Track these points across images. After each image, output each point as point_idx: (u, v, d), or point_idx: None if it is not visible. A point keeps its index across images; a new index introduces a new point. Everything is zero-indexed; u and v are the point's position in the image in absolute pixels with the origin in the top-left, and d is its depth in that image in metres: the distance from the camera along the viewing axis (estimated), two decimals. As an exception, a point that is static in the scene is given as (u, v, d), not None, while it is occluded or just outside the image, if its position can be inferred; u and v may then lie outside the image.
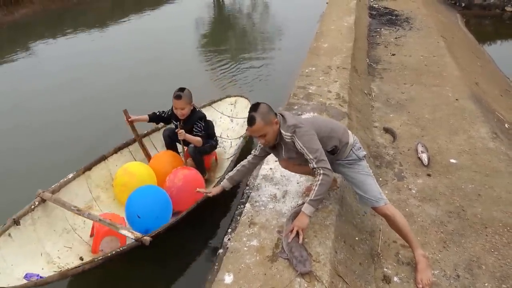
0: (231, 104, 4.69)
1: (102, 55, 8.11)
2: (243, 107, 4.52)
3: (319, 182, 2.13)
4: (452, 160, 3.39)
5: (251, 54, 8.05)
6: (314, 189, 2.14)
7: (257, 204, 2.53)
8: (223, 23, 12.00)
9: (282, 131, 2.23)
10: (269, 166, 2.90)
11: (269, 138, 2.24)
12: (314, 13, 9.53)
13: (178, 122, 3.46)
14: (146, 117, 3.59)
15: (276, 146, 2.38)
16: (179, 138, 3.42)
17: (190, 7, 12.66)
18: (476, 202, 2.90)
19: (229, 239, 2.40)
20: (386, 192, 3.02)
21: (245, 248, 2.18)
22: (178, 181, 3.16)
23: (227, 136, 4.39)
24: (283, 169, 2.81)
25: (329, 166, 2.16)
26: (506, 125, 4.43)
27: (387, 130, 3.92)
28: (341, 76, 4.46)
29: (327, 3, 8.85)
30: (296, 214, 2.26)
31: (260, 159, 2.59)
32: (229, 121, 4.56)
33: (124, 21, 11.01)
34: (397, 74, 5.34)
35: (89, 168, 3.39)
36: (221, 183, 2.61)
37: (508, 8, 11.27)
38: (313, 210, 2.16)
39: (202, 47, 8.82)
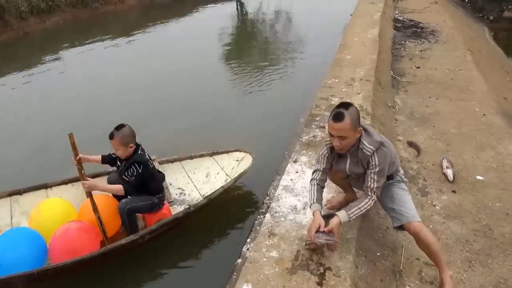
0: (237, 161, 3.85)
1: (123, 64, 8.33)
2: (244, 164, 3.68)
3: (366, 205, 2.16)
4: (479, 177, 3.29)
5: (274, 65, 8.07)
6: (359, 207, 2.16)
7: (277, 215, 2.52)
8: (247, 33, 12.17)
9: (364, 142, 2.13)
10: (290, 177, 2.88)
11: (346, 143, 2.11)
12: (337, 24, 9.53)
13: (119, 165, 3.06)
14: (99, 157, 3.13)
15: (342, 155, 2.28)
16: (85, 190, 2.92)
17: (214, 16, 12.92)
18: (503, 221, 2.79)
19: (248, 249, 2.40)
20: (409, 207, 2.96)
21: (264, 259, 2.17)
22: (58, 232, 2.86)
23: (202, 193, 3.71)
24: (304, 180, 2.80)
25: (380, 190, 2.22)
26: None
27: (411, 144, 3.85)
28: (364, 88, 4.42)
29: (351, 15, 8.84)
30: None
31: (328, 172, 2.38)
32: (223, 180, 3.69)
33: (150, 31, 11.29)
34: (421, 87, 5.25)
35: (19, 192, 3.27)
36: (315, 207, 2.26)
37: (538, 22, 10.97)
38: (346, 220, 2.15)
39: (225, 58, 8.92)
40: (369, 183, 2.16)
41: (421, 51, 6.64)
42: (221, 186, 3.36)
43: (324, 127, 3.55)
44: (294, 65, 8.02)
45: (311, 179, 2.36)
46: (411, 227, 2.21)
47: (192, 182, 3.80)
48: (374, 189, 2.15)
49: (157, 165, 3.61)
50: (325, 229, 2.10)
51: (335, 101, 4.11)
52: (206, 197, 3.32)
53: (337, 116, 2.05)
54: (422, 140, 3.91)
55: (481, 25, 11.07)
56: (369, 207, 2.16)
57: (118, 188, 2.96)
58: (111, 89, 6.86)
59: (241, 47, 10.36)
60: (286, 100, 6.04)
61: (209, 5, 14.76)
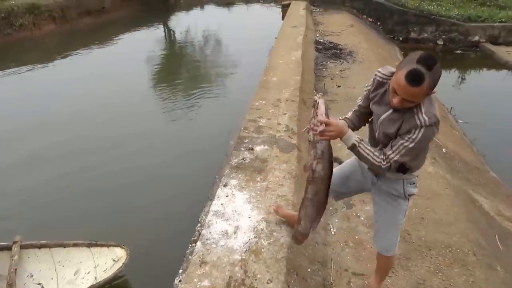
0: (114, 260, 3.19)
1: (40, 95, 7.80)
2: (116, 267, 3.12)
3: (374, 158, 1.79)
4: (403, 141, 3.54)
5: (204, 88, 8.15)
6: (370, 149, 1.81)
7: (208, 242, 2.49)
8: (176, 58, 12.12)
9: (422, 108, 1.67)
10: (220, 202, 2.88)
11: (410, 105, 1.67)
12: (264, 47, 9.90)
13: None
14: None
15: (386, 98, 1.80)
16: None
17: (140, 43, 12.70)
18: (419, 225, 3.04)
19: (180, 281, 2.32)
20: (337, 221, 3.10)
21: (196, 289, 2.12)
22: None
23: None
24: (234, 204, 2.81)
25: (392, 170, 1.81)
26: (443, 149, 4.75)
27: (335, 159, 4.05)
28: (290, 109, 4.61)
29: (275, 38, 9.24)
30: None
31: (364, 111, 2.05)
32: (89, 283, 3.04)
33: (70, 59, 10.74)
34: (342, 105, 5.61)
35: None
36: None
37: (439, 42, 12.36)
38: (349, 143, 1.83)
39: (154, 84, 8.80)
40: (391, 151, 1.75)
41: (341, 71, 7.12)
42: None
43: (252, 149, 3.62)
44: (225, 87, 8.20)
45: None
46: (379, 256, 2.22)
47: (56, 279, 3.15)
48: (391, 160, 1.76)
49: (15, 250, 3.10)
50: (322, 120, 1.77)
51: (263, 122, 4.22)
52: None
53: (415, 79, 1.56)
54: (345, 154, 4.14)
55: (393, 45, 12.19)
56: (374, 163, 1.80)
57: None
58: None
59: (170, 71, 10.30)
60: (218, 123, 6.12)
61: (134, 31, 14.50)
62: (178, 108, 7.10)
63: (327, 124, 1.77)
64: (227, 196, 2.94)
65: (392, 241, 2.11)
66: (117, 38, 13.23)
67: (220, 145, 5.03)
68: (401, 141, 1.72)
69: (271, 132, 3.98)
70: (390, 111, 1.78)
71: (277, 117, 4.36)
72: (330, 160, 1.88)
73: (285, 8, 14.34)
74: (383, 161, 1.78)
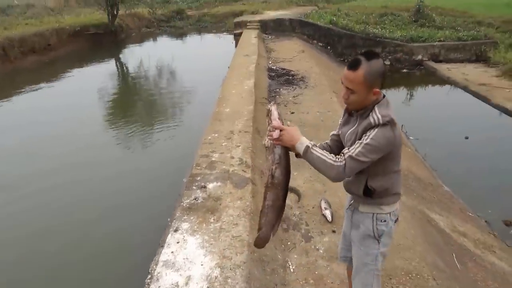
0: None
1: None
2: None
3: (327, 159, 1.72)
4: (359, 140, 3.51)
5: (160, 123, 7.98)
6: (322, 153, 1.74)
7: (157, 297, 2.29)
8: (130, 91, 11.86)
9: (377, 109, 1.72)
10: (170, 250, 2.69)
11: (354, 99, 1.74)
12: (217, 76, 9.89)
13: None
14: None
15: (351, 115, 1.86)
16: None
17: (92, 78, 12.34)
18: (379, 253, 2.99)
19: None
20: (295, 256, 2.99)
21: None
22: None
23: None
24: (186, 251, 2.63)
25: (350, 173, 1.72)
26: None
27: (291, 190, 3.99)
28: (243, 140, 4.54)
29: (228, 67, 9.28)
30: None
31: (337, 138, 2.02)
32: None
33: (16, 97, 10.22)
34: (297, 131, 5.61)
35: None
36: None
37: (386, 62, 12.93)
38: (302, 148, 1.76)
39: (108, 120, 8.50)
40: (347, 149, 1.73)
41: (294, 97, 7.20)
42: None
43: (205, 187, 3.48)
44: (180, 119, 8.07)
45: None
46: None
47: None
48: (346, 156, 1.70)
49: None
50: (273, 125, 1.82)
51: (216, 157, 4.11)
52: None
53: (352, 63, 1.72)
54: (301, 184, 4.09)
55: (343, 68, 12.58)
56: (328, 163, 1.72)
57: None
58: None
59: (124, 105, 10.03)
60: (173, 157, 5.94)
61: (85, 66, 14.11)
62: (132, 142, 6.93)
63: (279, 129, 1.79)
64: (178, 242, 2.76)
65: (364, 285, 1.96)
66: (66, 74, 12.79)
67: (173, 183, 4.84)
68: (358, 140, 1.74)
69: (224, 167, 3.86)
70: (356, 124, 1.81)
71: (230, 150, 4.27)
72: (288, 165, 1.88)
73: (237, 36, 14.58)
74: (338, 159, 1.74)
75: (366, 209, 1.90)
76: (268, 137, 1.85)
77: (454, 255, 3.30)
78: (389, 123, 1.69)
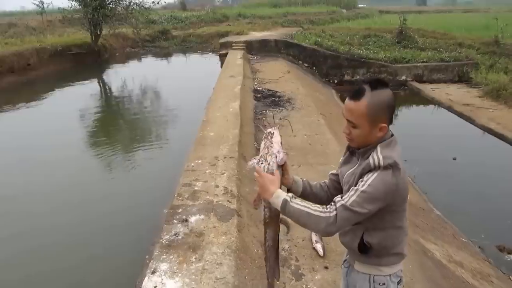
0: None
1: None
2: None
3: (314, 212, 1.45)
4: (354, 187, 3.30)
5: (141, 146, 7.70)
6: (305, 205, 1.47)
7: None
8: (113, 112, 11.57)
9: (379, 149, 1.47)
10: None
11: (357, 135, 1.51)
12: (203, 97, 9.72)
13: None
14: None
15: (353, 154, 1.63)
16: None
17: (74, 99, 12.03)
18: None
19: None
20: (285, 298, 2.74)
21: None
22: None
23: None
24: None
25: (343, 225, 1.44)
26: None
27: (280, 221, 3.75)
28: (228, 167, 4.31)
29: (213, 88, 9.12)
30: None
31: (336, 179, 1.78)
32: None
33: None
34: (284, 155, 5.42)
35: None
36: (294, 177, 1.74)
37: (371, 83, 13.03)
38: (279, 202, 1.48)
39: (88, 143, 8.19)
40: (340, 197, 1.48)
41: (280, 119, 7.04)
42: None
43: (187, 220, 3.22)
44: (164, 143, 7.81)
45: None
46: None
47: None
48: (338, 206, 1.43)
49: None
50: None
51: (199, 186, 3.86)
52: None
53: (354, 93, 1.49)
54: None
55: (329, 88, 12.64)
56: (313, 215, 1.44)
57: None
58: None
59: (107, 127, 9.73)
60: (155, 185, 5.66)
61: (66, 87, 13.76)
62: (112, 167, 6.68)
63: (258, 173, 1.54)
64: (155, 287, 2.48)
65: None
66: (47, 95, 12.45)
67: (153, 214, 4.56)
68: (353, 187, 1.47)
69: (208, 197, 3.62)
70: (357, 164, 1.56)
71: (214, 178, 4.03)
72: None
73: (223, 57, 14.53)
74: (327, 208, 1.45)
75: (362, 269, 1.63)
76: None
77: (453, 290, 3.10)
78: (392, 167, 1.42)
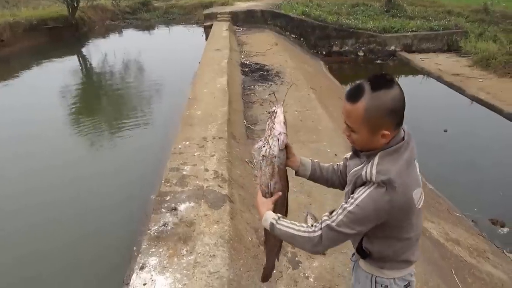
0: None
1: None
2: None
3: (299, 232, 1.35)
4: (344, 203, 3.18)
5: (125, 123, 7.40)
6: (291, 226, 1.37)
7: None
8: (94, 87, 11.13)
9: (376, 161, 1.28)
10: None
11: (357, 139, 1.33)
12: (189, 72, 9.37)
13: None
14: None
15: (357, 155, 1.43)
16: None
17: (52, 75, 11.48)
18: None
19: None
20: (283, 288, 2.62)
21: None
22: None
23: None
24: None
25: (330, 245, 1.33)
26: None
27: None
28: (218, 148, 4.10)
29: (199, 63, 8.75)
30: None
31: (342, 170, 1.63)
32: None
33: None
34: (275, 133, 5.23)
35: None
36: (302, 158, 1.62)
37: (360, 53, 12.78)
38: (267, 225, 1.43)
39: (69, 121, 7.85)
40: (328, 215, 1.33)
41: (269, 94, 6.77)
42: None
43: (176, 209, 3.04)
44: (149, 121, 7.52)
45: None
46: None
47: None
48: (324, 226, 1.30)
49: None
50: None
51: (187, 170, 3.66)
52: None
53: (351, 92, 1.27)
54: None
55: (317, 60, 12.35)
56: (298, 236, 1.35)
57: None
58: None
59: (89, 102, 9.36)
60: (141, 167, 5.43)
61: (44, 63, 13.11)
62: (94, 147, 6.46)
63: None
64: (144, 284, 2.32)
65: None
66: (24, 72, 11.84)
67: (143, 201, 4.35)
68: (343, 203, 1.32)
69: (197, 182, 3.43)
70: (360, 165, 1.37)
71: (204, 161, 3.83)
72: (286, 176, 1.56)
73: (207, 29, 13.98)
74: (313, 228, 1.34)
75: (365, 267, 1.49)
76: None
77: (453, 271, 3.03)
78: (385, 184, 1.21)
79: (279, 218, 1.43)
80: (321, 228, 1.30)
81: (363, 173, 1.27)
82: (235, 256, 2.58)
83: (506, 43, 11.17)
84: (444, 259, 3.18)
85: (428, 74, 10.80)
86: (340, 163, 1.65)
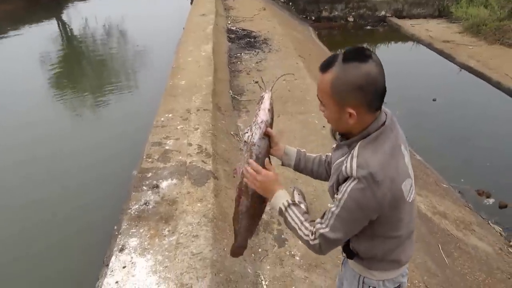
0: None
1: None
2: None
3: (301, 233, 1.29)
4: (331, 205, 3.12)
5: (107, 92, 7.14)
6: (296, 221, 1.30)
7: None
8: (75, 54, 10.66)
9: (356, 152, 1.17)
10: (114, 279, 2.16)
11: (327, 116, 1.23)
12: (173, 37, 8.99)
13: None
14: None
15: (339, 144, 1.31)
16: None
17: (30, 41, 10.93)
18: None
19: None
20: (268, 267, 2.55)
21: None
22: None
23: None
24: (134, 278, 2.13)
25: (330, 250, 1.28)
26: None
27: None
28: (202, 121, 3.94)
29: (183, 28, 8.37)
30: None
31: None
32: None
33: None
34: (262, 104, 5.06)
35: None
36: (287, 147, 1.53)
37: (350, 19, 12.44)
38: (276, 206, 1.34)
39: (54, 89, 7.54)
40: (320, 222, 1.25)
41: (257, 63, 6.54)
42: None
43: (157, 186, 2.91)
44: (133, 89, 7.27)
45: None
46: None
47: None
48: (318, 236, 1.23)
49: None
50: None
51: (170, 144, 3.51)
52: None
53: (325, 62, 1.18)
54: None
55: (306, 26, 11.97)
56: (302, 238, 1.29)
57: None
58: None
59: (70, 70, 8.97)
60: (123, 139, 5.25)
61: (21, 28, 12.42)
62: (76, 118, 6.25)
63: (256, 171, 1.33)
64: (124, 267, 2.23)
65: None
66: (0, 39, 11.24)
67: (126, 177, 4.20)
68: (331, 206, 1.22)
69: (180, 157, 3.29)
70: (340, 153, 1.28)
71: (187, 135, 3.67)
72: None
73: (192, -8, 13.34)
74: (311, 234, 1.26)
75: (353, 266, 1.40)
76: (236, 170, 1.44)
77: (439, 246, 3.02)
78: (366, 179, 1.10)
79: (290, 204, 1.33)
80: (316, 238, 1.24)
81: (343, 168, 1.17)
82: (219, 236, 2.50)
83: (497, 8, 10.93)
84: (431, 234, 3.16)
85: (418, 40, 10.59)
86: (328, 154, 1.53)
